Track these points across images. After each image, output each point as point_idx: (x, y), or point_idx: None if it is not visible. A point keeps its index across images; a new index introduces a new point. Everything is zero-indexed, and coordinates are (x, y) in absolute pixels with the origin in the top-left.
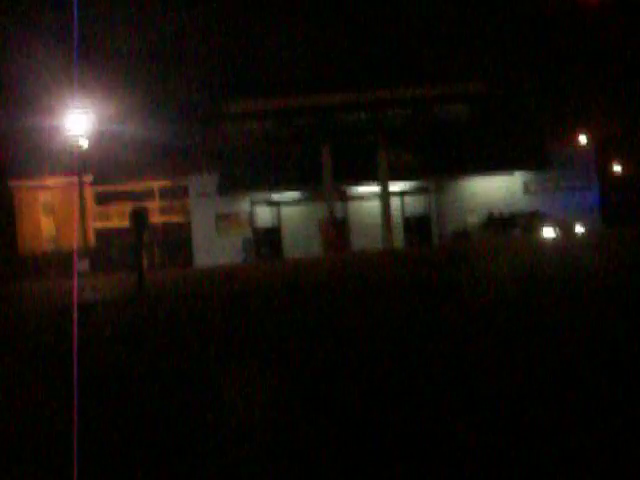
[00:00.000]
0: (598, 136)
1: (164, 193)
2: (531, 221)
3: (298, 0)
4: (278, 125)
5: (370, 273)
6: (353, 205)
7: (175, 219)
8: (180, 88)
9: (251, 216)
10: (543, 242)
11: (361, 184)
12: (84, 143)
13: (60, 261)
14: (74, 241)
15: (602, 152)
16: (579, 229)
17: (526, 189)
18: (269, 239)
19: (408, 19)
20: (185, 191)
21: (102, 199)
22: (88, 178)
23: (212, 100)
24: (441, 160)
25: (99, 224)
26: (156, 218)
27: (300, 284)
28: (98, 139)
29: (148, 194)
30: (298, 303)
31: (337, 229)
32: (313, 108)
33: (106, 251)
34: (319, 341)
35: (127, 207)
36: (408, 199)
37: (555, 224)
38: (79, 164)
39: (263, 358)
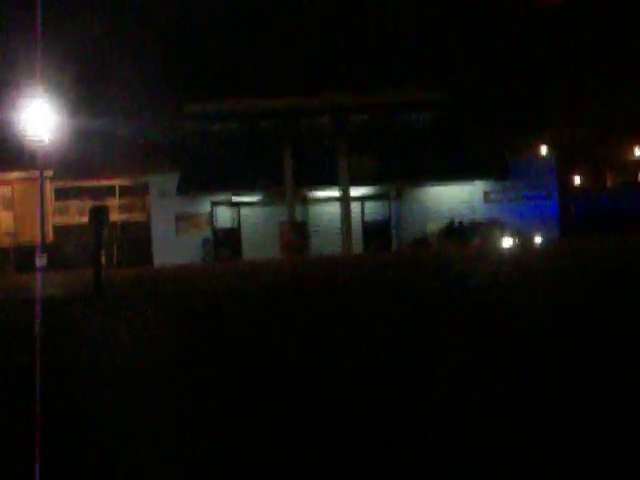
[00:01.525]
0: (559, 147)
1: (125, 191)
2: (491, 230)
3: (264, 2)
4: (240, 127)
5: (319, 277)
6: (313, 209)
7: (135, 217)
8: (144, 86)
9: (211, 217)
10: (500, 251)
11: (322, 188)
12: (45, 137)
13: (18, 256)
14: (33, 236)
15: (562, 163)
16: (537, 239)
17: (486, 198)
18: (228, 240)
19: (372, 26)
20: (146, 190)
21: (62, 194)
22: (49, 173)
23: (175, 99)
24: (402, 167)
25: (59, 220)
26: (116, 216)
27: (255, 284)
28: (59, 133)
29: (109, 191)
30: (250, 303)
31: (297, 232)
32: (276, 111)
33: (65, 247)
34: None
35: (87, 204)
36: (368, 205)
37: (514, 233)
38: (40, 158)
39: (200, 359)
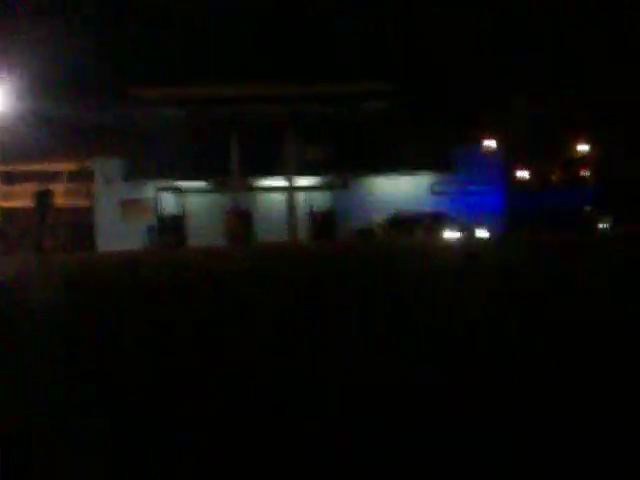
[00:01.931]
0: (505, 141)
1: (71, 176)
2: (435, 222)
3: None
4: (188, 113)
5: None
6: (259, 197)
7: (81, 202)
8: (92, 71)
9: (156, 203)
10: (443, 243)
11: (268, 177)
12: None
13: None
14: None
15: (508, 157)
16: (482, 232)
17: (432, 190)
18: (173, 227)
19: (322, 15)
20: (91, 175)
21: (9, 179)
22: None
23: (123, 84)
24: (349, 157)
25: (5, 203)
26: (62, 200)
27: (192, 272)
28: (6, 118)
29: (56, 176)
30: (187, 290)
31: (242, 220)
32: (224, 98)
33: (10, 231)
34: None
35: (33, 188)
36: (315, 194)
37: (459, 226)
38: None
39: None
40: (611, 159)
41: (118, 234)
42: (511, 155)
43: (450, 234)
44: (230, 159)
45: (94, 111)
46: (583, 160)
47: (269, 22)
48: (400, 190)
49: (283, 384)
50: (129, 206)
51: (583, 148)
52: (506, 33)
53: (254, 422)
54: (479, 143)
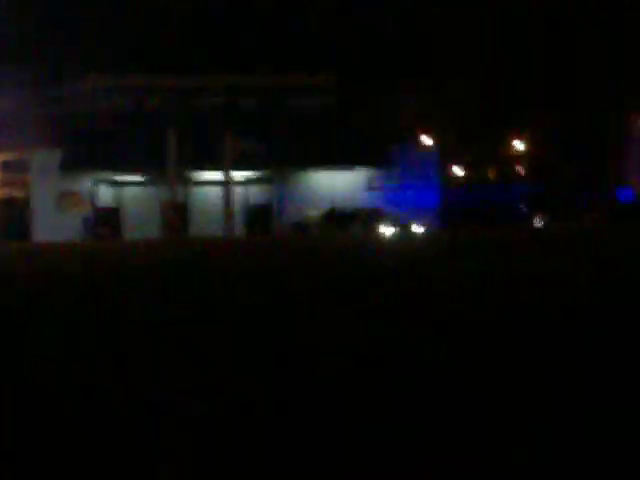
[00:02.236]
0: (441, 138)
1: (7, 166)
2: (371, 218)
3: None
4: (125, 105)
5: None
6: (196, 190)
7: (17, 193)
8: (28, 61)
9: (93, 195)
10: (376, 238)
11: (205, 170)
12: None
13: None
14: None
15: (444, 154)
16: (417, 228)
17: (368, 186)
18: (109, 219)
19: (263, 8)
20: (28, 166)
21: None
22: None
23: (60, 75)
24: (286, 151)
25: None
26: None
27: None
28: None
29: None
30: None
31: (178, 213)
32: (162, 90)
33: None
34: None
35: None
36: (251, 188)
37: (394, 222)
38: None
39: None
40: (547, 158)
41: (54, 225)
42: (447, 152)
43: (385, 229)
44: (167, 152)
45: (30, 102)
46: (519, 158)
47: (209, 13)
48: (336, 185)
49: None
50: (65, 197)
51: (519, 146)
52: (441, 29)
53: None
54: (416, 140)
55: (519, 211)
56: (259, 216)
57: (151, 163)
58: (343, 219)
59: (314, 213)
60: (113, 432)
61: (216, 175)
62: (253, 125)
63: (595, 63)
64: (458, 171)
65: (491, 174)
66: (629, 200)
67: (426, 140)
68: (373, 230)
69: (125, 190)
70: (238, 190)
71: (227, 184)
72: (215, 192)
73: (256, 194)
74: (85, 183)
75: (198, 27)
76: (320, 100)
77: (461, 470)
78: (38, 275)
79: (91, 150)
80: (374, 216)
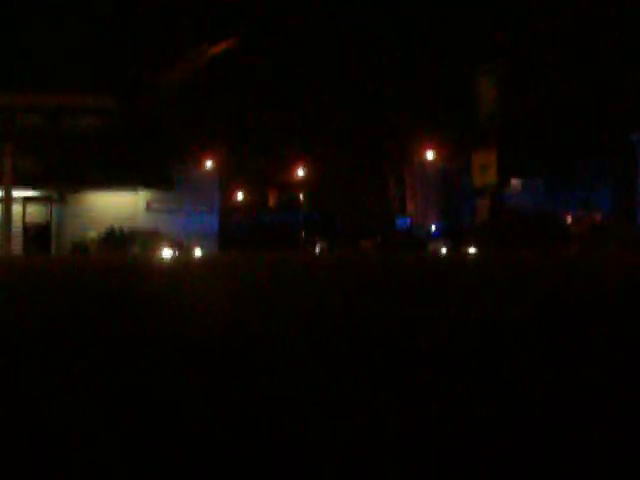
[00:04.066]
0: (223, 162)
1: None
2: (150, 240)
3: None
4: None
5: None
6: None
7: None
8: None
9: None
10: (150, 261)
11: None
12: None
13: None
14: None
15: (226, 178)
16: (197, 252)
17: (148, 207)
18: None
19: (42, 27)
20: None
21: None
22: None
23: None
24: (66, 171)
25: None
26: None
27: None
28: None
29: None
30: None
31: None
32: None
33: None
34: None
35: None
36: (31, 207)
37: (174, 245)
38: None
39: None
40: (324, 185)
41: None
42: (228, 176)
43: (165, 251)
44: None
45: None
46: (298, 185)
47: None
48: (117, 206)
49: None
50: None
51: (300, 172)
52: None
53: None
54: (198, 163)
55: (298, 237)
56: (38, 236)
57: None
58: (122, 241)
59: (93, 234)
60: None
61: None
62: (33, 143)
63: (376, 90)
64: (240, 195)
65: (272, 199)
66: (406, 227)
67: (208, 163)
68: (152, 252)
69: None
70: (17, 209)
71: (6, 202)
72: None
73: (35, 213)
74: None
75: None
76: (103, 121)
77: None
78: None
79: None
80: (154, 238)
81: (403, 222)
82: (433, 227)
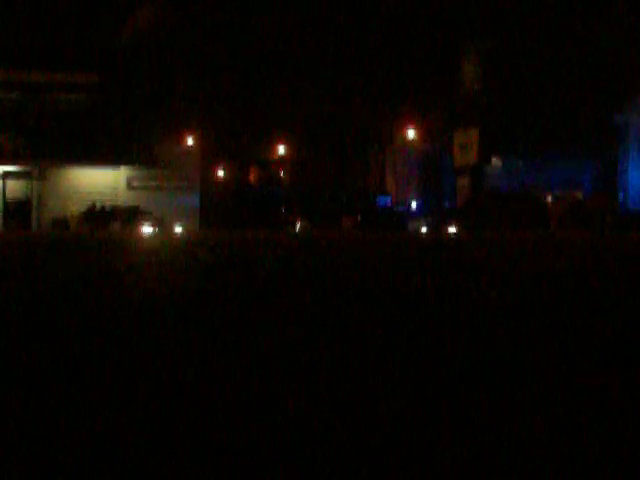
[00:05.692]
0: (204, 139)
1: None
2: (131, 216)
3: None
4: None
5: None
6: None
7: None
8: None
9: None
10: (131, 237)
11: None
12: None
13: None
14: None
15: (207, 155)
16: (178, 228)
17: (129, 184)
18: None
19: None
20: None
21: None
22: None
23: None
24: (47, 147)
25: None
26: None
27: None
28: None
29: None
30: None
31: None
32: None
33: None
34: None
35: None
36: (10, 183)
37: (155, 221)
38: None
39: None
40: (308, 163)
41: None
42: (209, 153)
43: (145, 228)
44: None
45: None
46: (282, 162)
47: None
48: (98, 182)
49: None
50: None
51: (281, 150)
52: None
53: None
54: (179, 140)
55: (280, 214)
56: (18, 211)
57: None
58: (103, 217)
59: (74, 210)
60: None
61: None
62: (13, 119)
63: (360, 74)
64: (221, 173)
65: (253, 177)
66: (386, 206)
67: (189, 141)
68: (133, 228)
69: None
70: None
71: None
72: None
73: (15, 189)
74: None
75: None
76: (84, 97)
77: None
78: None
79: None
80: (134, 215)
81: (384, 200)
82: (414, 205)
